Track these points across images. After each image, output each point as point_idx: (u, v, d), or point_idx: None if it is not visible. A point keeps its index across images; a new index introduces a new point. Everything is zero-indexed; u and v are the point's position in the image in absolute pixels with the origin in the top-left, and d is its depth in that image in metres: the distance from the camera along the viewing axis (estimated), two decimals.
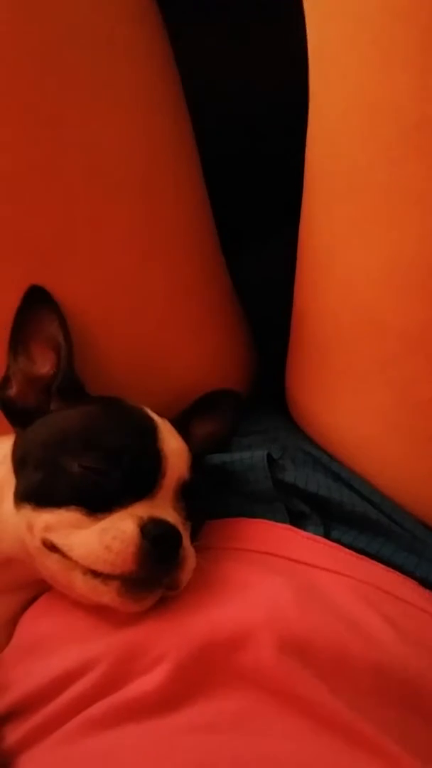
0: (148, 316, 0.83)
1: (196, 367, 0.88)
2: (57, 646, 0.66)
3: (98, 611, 0.65)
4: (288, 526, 0.73)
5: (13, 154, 0.75)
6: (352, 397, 0.79)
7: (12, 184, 0.75)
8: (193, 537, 0.70)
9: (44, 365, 0.77)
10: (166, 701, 0.57)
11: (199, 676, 0.58)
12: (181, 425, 0.77)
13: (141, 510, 0.64)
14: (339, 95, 0.69)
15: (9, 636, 0.71)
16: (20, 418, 0.74)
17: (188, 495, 0.70)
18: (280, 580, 0.65)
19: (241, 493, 0.77)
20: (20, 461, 0.70)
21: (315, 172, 0.76)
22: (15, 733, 0.61)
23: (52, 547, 0.65)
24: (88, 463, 0.65)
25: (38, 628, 0.69)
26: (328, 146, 0.72)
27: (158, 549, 0.62)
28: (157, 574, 0.62)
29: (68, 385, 0.75)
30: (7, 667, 0.68)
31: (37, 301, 0.77)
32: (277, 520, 0.74)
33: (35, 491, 0.66)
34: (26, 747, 0.60)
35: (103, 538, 0.62)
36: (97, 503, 0.64)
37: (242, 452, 0.79)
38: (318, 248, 0.78)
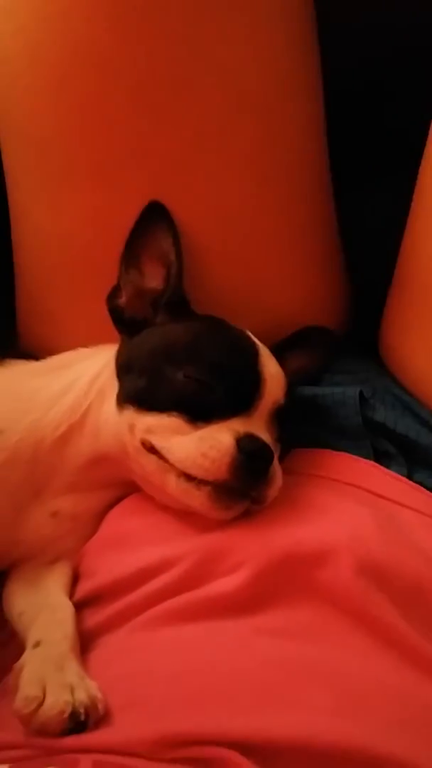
0: (257, 246, 0.84)
1: (294, 302, 0.88)
2: (142, 543, 0.70)
3: (184, 516, 0.69)
4: (372, 462, 0.75)
5: (150, 70, 0.76)
6: None
7: (146, 97, 0.77)
8: (280, 460, 0.72)
9: (153, 280, 0.79)
10: (242, 604, 0.60)
11: (277, 585, 0.61)
12: (276, 355, 0.78)
13: (238, 425, 0.67)
14: None
15: (94, 530, 0.75)
16: (127, 327, 0.77)
17: (280, 419, 0.72)
18: (363, 510, 0.67)
19: (329, 427, 0.78)
20: (125, 367, 0.73)
21: None
22: (94, 618, 0.66)
23: (150, 449, 0.68)
24: (192, 374, 0.68)
25: (125, 525, 0.73)
26: None
27: (251, 462, 0.64)
28: (247, 485, 0.65)
29: (175, 302, 0.77)
30: (90, 557, 0.73)
31: (154, 217, 0.79)
32: (361, 457, 0.76)
33: (139, 395, 0.70)
34: (105, 631, 0.64)
35: (201, 446, 0.65)
36: (197, 413, 0.67)
37: (334, 387, 0.80)
38: None
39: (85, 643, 0.63)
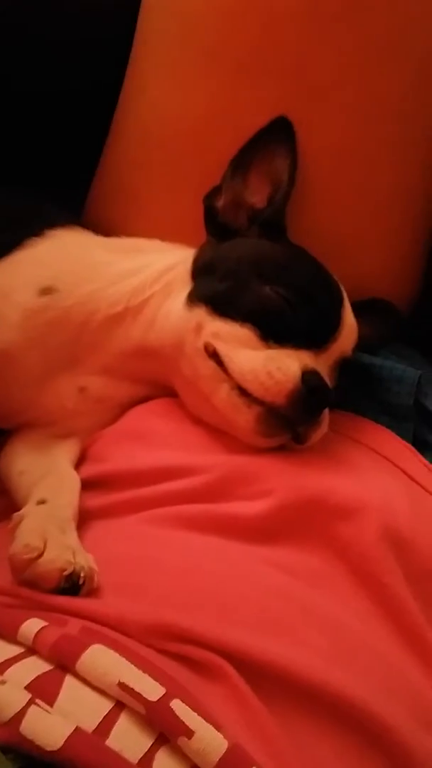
0: (366, 198, 0.81)
1: (375, 273, 0.85)
2: (163, 445, 0.67)
3: (212, 433, 0.67)
4: (410, 446, 0.73)
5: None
6: None
7: (316, 11, 0.75)
8: None
9: (255, 195, 0.76)
10: (258, 531, 0.58)
11: (297, 524, 0.59)
12: None
13: (306, 358, 0.64)
14: None
15: (113, 420, 0.73)
16: (217, 230, 0.74)
17: (341, 371, 0.69)
18: (398, 484, 0.65)
19: (377, 400, 0.76)
20: (205, 267, 0.71)
21: None
22: (96, 500, 0.64)
23: (212, 354, 0.66)
24: (280, 291, 0.65)
25: (147, 423, 0.70)
26: None
27: (310, 397, 0.62)
28: (298, 418, 0.63)
29: (273, 223, 0.74)
30: (102, 443, 0.70)
31: (279, 133, 0.75)
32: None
33: (216, 298, 0.67)
34: (106, 515, 0.62)
35: (268, 364, 0.62)
36: (272, 331, 0.64)
37: (394, 363, 0.78)
38: None
39: (80, 521, 0.61)
